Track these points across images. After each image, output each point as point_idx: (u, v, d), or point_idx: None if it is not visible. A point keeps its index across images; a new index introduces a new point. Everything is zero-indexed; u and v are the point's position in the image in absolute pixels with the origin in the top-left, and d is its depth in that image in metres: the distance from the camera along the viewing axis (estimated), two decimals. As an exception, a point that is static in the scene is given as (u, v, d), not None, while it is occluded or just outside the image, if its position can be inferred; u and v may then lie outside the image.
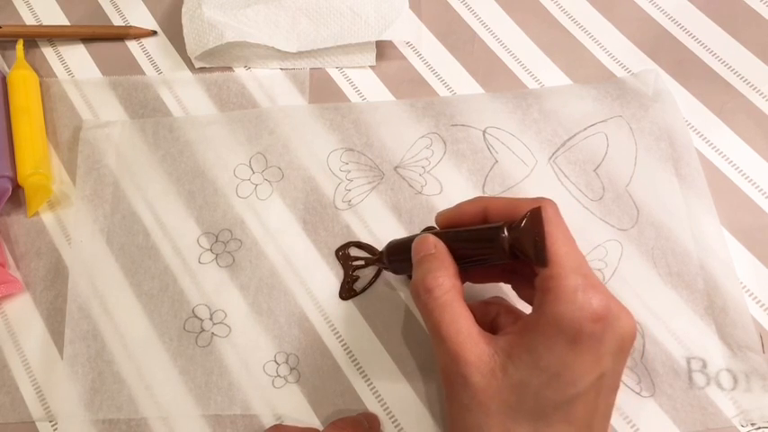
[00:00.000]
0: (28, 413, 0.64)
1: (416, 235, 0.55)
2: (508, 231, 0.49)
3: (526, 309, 0.56)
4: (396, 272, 0.62)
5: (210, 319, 0.66)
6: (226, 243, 0.69)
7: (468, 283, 0.56)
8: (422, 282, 0.50)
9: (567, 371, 0.45)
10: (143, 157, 0.73)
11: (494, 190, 0.69)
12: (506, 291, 0.62)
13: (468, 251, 0.52)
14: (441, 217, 0.57)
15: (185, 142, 0.74)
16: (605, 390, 0.48)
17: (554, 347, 0.45)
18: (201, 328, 0.66)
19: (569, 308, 0.45)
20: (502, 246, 0.49)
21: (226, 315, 0.66)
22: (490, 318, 0.57)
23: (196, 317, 0.66)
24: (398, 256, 0.59)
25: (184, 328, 0.66)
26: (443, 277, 0.50)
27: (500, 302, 0.58)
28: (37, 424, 0.63)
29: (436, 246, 0.52)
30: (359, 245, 0.68)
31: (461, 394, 0.48)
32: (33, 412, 0.64)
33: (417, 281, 0.51)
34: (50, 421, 0.63)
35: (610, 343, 0.46)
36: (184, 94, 0.77)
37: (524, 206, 0.49)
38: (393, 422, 0.61)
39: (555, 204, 0.50)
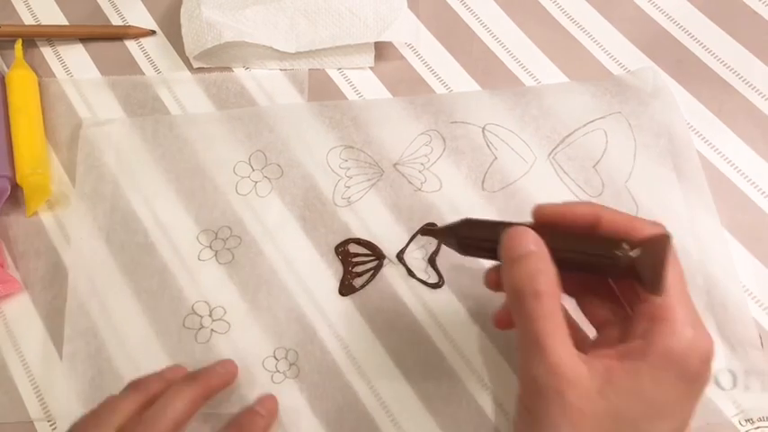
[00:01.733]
0: (26, 413, 0.64)
1: (504, 222, 0.50)
2: (629, 249, 0.46)
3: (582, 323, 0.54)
4: (464, 251, 0.55)
5: (210, 315, 0.66)
6: (225, 240, 0.69)
7: None
8: (530, 283, 0.46)
9: (668, 405, 0.45)
10: (143, 155, 0.73)
11: (493, 186, 0.69)
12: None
13: (574, 258, 0.48)
14: (541, 210, 0.52)
15: (185, 140, 0.74)
16: (689, 429, 0.47)
17: (662, 380, 0.44)
18: (201, 324, 0.66)
19: (683, 342, 0.44)
20: (618, 262, 0.46)
21: (225, 312, 0.66)
22: None
23: (195, 313, 0.66)
24: (479, 238, 0.52)
25: (184, 325, 0.66)
26: (552, 284, 0.46)
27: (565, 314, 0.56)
28: (35, 424, 0.63)
29: (537, 243, 0.48)
30: (358, 241, 0.68)
31: (552, 411, 0.45)
32: (32, 412, 0.64)
33: (524, 281, 0.47)
34: (49, 421, 0.63)
35: (704, 385, 0.45)
36: (183, 94, 0.77)
37: (642, 227, 0.48)
38: (390, 420, 0.62)
39: (672, 237, 0.48)
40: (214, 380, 0.60)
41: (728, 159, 0.70)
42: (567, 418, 0.44)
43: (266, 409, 0.61)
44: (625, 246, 0.46)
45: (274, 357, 0.64)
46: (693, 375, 0.44)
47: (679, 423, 0.45)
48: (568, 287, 0.53)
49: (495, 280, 0.54)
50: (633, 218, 0.49)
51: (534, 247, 0.47)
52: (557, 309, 0.46)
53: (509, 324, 0.54)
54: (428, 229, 0.58)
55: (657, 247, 0.46)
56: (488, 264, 0.54)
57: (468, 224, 0.54)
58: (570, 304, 0.54)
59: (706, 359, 0.44)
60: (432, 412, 0.61)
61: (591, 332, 0.53)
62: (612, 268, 0.47)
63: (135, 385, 0.59)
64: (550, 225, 0.51)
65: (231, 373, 0.62)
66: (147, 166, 0.73)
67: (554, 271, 0.47)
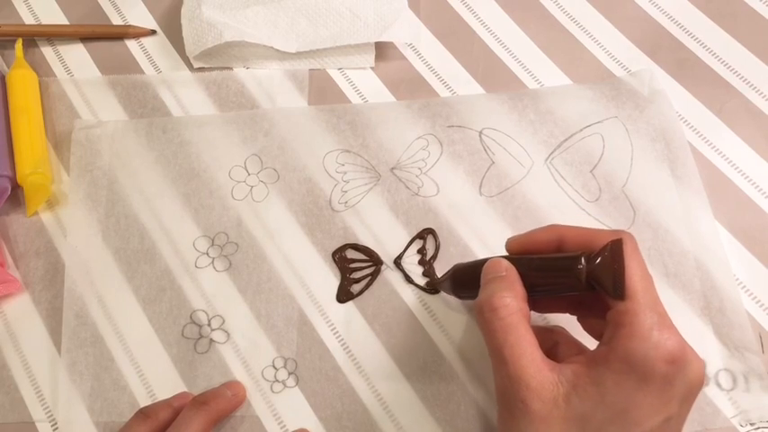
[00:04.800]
0: (27, 413, 0.64)
1: (485, 259, 0.54)
2: (586, 262, 0.48)
3: (587, 342, 0.55)
4: (459, 296, 0.61)
5: (209, 324, 0.66)
6: (222, 246, 0.69)
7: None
8: (488, 301, 0.49)
9: (634, 409, 0.45)
10: (137, 158, 0.73)
11: (491, 191, 0.69)
12: (566, 323, 0.60)
13: (541, 279, 0.51)
14: (511, 243, 0.56)
15: (179, 143, 0.73)
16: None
17: (623, 384, 0.45)
18: (200, 334, 0.66)
19: (643, 345, 0.45)
20: (578, 276, 0.48)
21: (224, 321, 0.66)
22: (549, 345, 0.55)
23: (194, 323, 0.66)
24: (465, 280, 0.57)
25: (183, 335, 0.66)
26: (510, 298, 0.49)
27: (561, 332, 0.58)
28: (37, 425, 0.64)
29: (507, 269, 0.51)
30: (356, 247, 0.68)
31: (519, 420, 0.47)
32: (33, 412, 0.64)
33: (483, 300, 0.50)
34: (50, 422, 0.63)
35: (680, 387, 0.45)
36: (183, 94, 0.77)
37: (602, 238, 0.49)
38: (393, 423, 0.62)
39: (634, 239, 0.49)
40: (222, 404, 0.61)
41: (729, 159, 0.70)
42: (533, 426, 0.46)
43: (233, 391, 0.62)
44: (582, 259, 0.48)
45: (273, 367, 0.64)
46: (659, 378, 0.45)
47: (651, 427, 0.45)
48: (567, 307, 0.57)
49: None
50: (595, 231, 0.51)
51: (504, 272, 0.51)
52: (518, 322, 0.48)
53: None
54: (435, 282, 0.65)
55: (613, 254, 0.47)
56: None
57: (457, 270, 0.59)
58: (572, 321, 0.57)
59: (671, 360, 0.44)
60: (433, 414, 0.62)
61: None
62: (575, 282, 0.48)
63: (144, 414, 0.59)
64: (523, 253, 0.54)
65: (240, 396, 0.63)
66: (141, 170, 0.73)
67: (519, 290, 0.50)
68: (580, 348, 0.56)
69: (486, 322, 0.49)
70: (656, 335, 0.45)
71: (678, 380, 0.45)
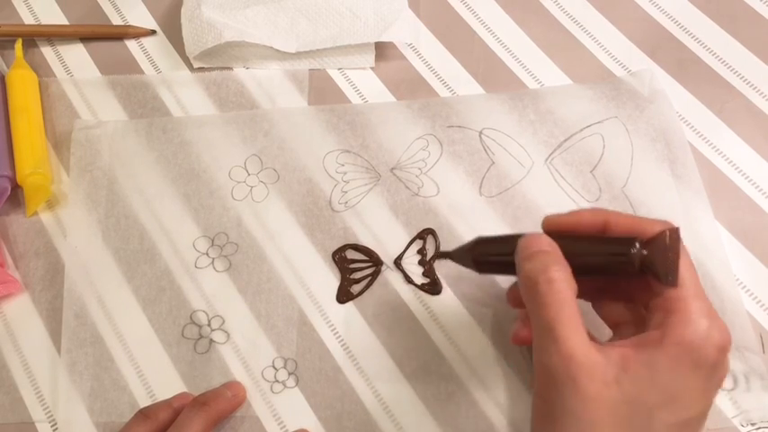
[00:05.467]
0: (27, 413, 0.64)
1: (517, 235, 0.52)
2: (642, 246, 0.48)
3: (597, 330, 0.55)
4: (480, 270, 0.57)
5: (209, 325, 0.66)
6: (222, 247, 0.69)
7: None
8: (543, 272, 0.48)
9: (685, 395, 0.45)
10: (136, 158, 0.73)
11: (491, 191, 0.69)
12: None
13: (588, 261, 0.51)
14: (551, 221, 0.54)
15: (179, 144, 0.73)
16: (705, 420, 0.48)
17: (677, 368, 0.45)
18: (200, 334, 0.66)
19: (698, 332, 0.45)
20: (632, 260, 0.48)
21: (224, 321, 0.66)
22: None
23: (194, 323, 0.66)
24: (494, 253, 0.55)
25: (183, 335, 0.66)
26: (566, 274, 0.48)
27: None
28: (37, 425, 0.64)
29: (551, 245, 0.50)
30: (356, 247, 0.68)
31: (568, 399, 0.46)
32: (33, 413, 0.64)
33: (537, 270, 0.48)
34: (50, 422, 0.63)
35: (721, 374, 0.47)
36: (183, 94, 0.77)
37: (650, 226, 0.49)
38: (393, 423, 0.62)
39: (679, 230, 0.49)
40: (223, 405, 0.61)
41: (729, 159, 0.70)
42: (583, 405, 0.45)
43: (233, 392, 0.62)
44: (637, 244, 0.48)
45: (273, 367, 0.64)
46: (709, 364, 0.45)
47: (696, 413, 0.46)
48: (582, 291, 0.52)
49: (516, 296, 0.56)
50: (640, 218, 0.51)
51: (548, 248, 0.50)
52: (570, 299, 0.47)
53: (525, 339, 0.55)
54: (443, 253, 0.60)
55: (668, 241, 0.48)
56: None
57: (482, 242, 0.56)
58: (585, 307, 0.55)
59: (722, 348, 0.45)
60: (433, 414, 0.62)
61: (604, 334, 0.55)
62: (627, 267, 0.48)
63: (144, 414, 0.60)
64: (561, 234, 0.52)
65: (240, 396, 0.63)
66: (141, 170, 0.73)
67: (568, 267, 0.49)
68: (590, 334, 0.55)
69: (539, 295, 0.48)
70: (708, 322, 0.45)
71: (721, 368, 0.46)
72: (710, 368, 0.45)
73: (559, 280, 0.47)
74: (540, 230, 0.53)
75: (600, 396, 0.45)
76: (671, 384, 0.45)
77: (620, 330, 0.54)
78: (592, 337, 0.48)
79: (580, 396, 0.45)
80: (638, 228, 0.50)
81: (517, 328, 0.57)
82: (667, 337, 0.46)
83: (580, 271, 0.49)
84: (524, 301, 0.50)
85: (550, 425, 0.48)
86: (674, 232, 0.48)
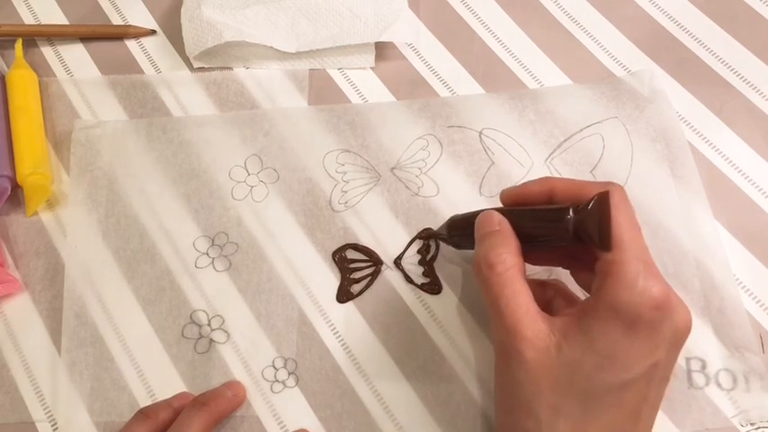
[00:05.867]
0: (27, 413, 0.64)
1: (480, 210, 0.55)
2: (574, 213, 0.49)
3: (583, 295, 0.58)
4: (457, 246, 0.62)
5: (209, 324, 0.66)
6: (222, 246, 0.69)
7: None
8: (484, 257, 0.51)
9: (621, 356, 0.46)
10: (137, 158, 0.73)
11: (491, 191, 0.69)
12: (565, 277, 0.61)
13: (532, 230, 0.53)
14: (505, 194, 0.57)
15: (179, 144, 0.73)
16: (657, 380, 0.49)
17: (610, 331, 0.46)
18: (200, 334, 0.66)
19: (629, 293, 0.46)
20: (566, 227, 0.49)
21: (224, 321, 0.66)
22: (546, 299, 0.58)
23: (194, 323, 0.66)
24: (461, 231, 0.59)
25: (183, 335, 0.66)
26: (506, 254, 0.51)
27: (557, 285, 0.59)
28: (37, 425, 0.64)
29: (500, 223, 0.53)
30: (356, 247, 0.68)
31: (514, 368, 0.49)
32: (33, 413, 0.64)
33: (480, 256, 0.52)
34: (50, 422, 0.63)
35: (666, 333, 0.47)
36: (183, 94, 0.77)
37: (592, 189, 0.50)
38: (393, 423, 0.62)
39: (623, 190, 0.50)
40: (223, 404, 0.61)
41: (729, 159, 0.70)
42: (528, 375, 0.48)
43: (233, 391, 0.62)
44: (570, 210, 0.49)
45: (273, 367, 0.64)
46: (645, 323, 0.46)
47: (638, 373, 0.47)
48: (560, 261, 0.59)
49: None
50: (585, 182, 0.53)
51: (497, 226, 0.52)
52: (513, 276, 0.50)
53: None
54: (426, 232, 0.65)
55: (601, 205, 0.48)
56: None
57: (453, 221, 0.60)
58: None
59: (657, 306, 0.46)
60: (433, 414, 0.62)
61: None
62: (565, 234, 0.50)
63: (144, 414, 0.60)
64: (516, 204, 0.55)
65: (240, 396, 0.63)
66: (141, 170, 0.72)
67: (513, 244, 0.52)
68: (575, 301, 0.58)
69: (483, 278, 0.51)
70: (641, 282, 0.46)
71: (664, 326, 0.47)
72: (648, 327, 0.46)
73: (500, 262, 0.50)
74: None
75: (542, 363, 0.48)
76: (606, 347, 0.46)
77: None
78: (549, 309, 0.52)
79: (524, 365, 0.48)
80: (579, 192, 0.51)
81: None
82: (601, 300, 0.47)
83: (529, 241, 0.53)
84: (476, 283, 0.53)
85: (506, 397, 0.51)
86: (603, 195, 0.49)
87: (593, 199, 0.49)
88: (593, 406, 0.47)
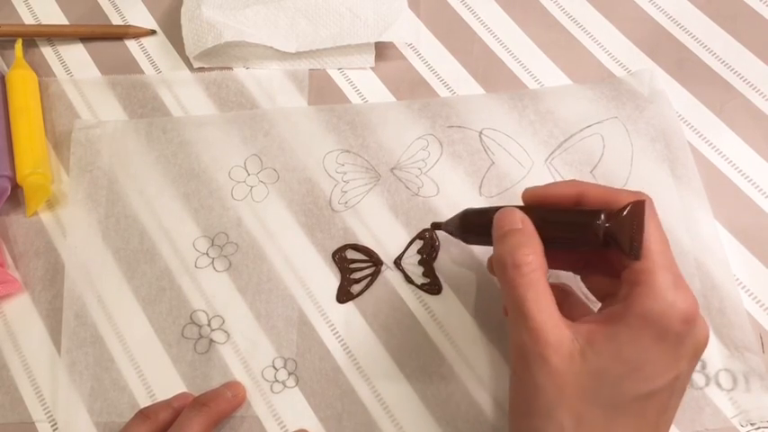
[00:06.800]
0: (27, 413, 0.64)
1: (497, 207, 0.54)
2: (606, 219, 0.49)
3: (587, 301, 0.57)
4: (466, 241, 0.60)
5: (209, 325, 0.66)
6: (222, 247, 0.69)
7: None
8: (510, 255, 0.49)
9: (648, 366, 0.46)
10: (137, 158, 0.73)
11: (491, 191, 0.69)
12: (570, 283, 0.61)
13: (558, 232, 0.52)
14: (529, 192, 0.56)
15: (179, 143, 0.73)
16: (678, 391, 0.49)
17: (639, 341, 0.46)
18: (200, 334, 0.66)
19: (660, 304, 0.46)
20: (596, 232, 0.49)
21: (224, 321, 0.66)
22: (557, 302, 0.56)
23: (194, 323, 0.66)
24: (476, 226, 0.57)
25: (183, 335, 0.66)
26: (532, 254, 0.49)
27: (567, 290, 0.59)
28: (37, 425, 0.64)
29: (523, 221, 0.51)
30: (356, 247, 0.68)
31: (536, 373, 0.48)
32: (33, 413, 0.64)
33: (505, 254, 0.50)
34: (50, 422, 0.63)
35: (689, 346, 0.47)
36: (183, 94, 0.77)
37: (623, 197, 0.50)
38: (393, 423, 0.62)
39: (653, 203, 0.50)
40: (223, 405, 0.61)
41: (729, 159, 0.70)
42: (551, 379, 0.47)
43: (233, 392, 0.62)
44: (602, 216, 0.49)
45: (273, 367, 0.64)
46: (673, 335, 0.46)
47: (662, 384, 0.47)
48: (573, 265, 0.58)
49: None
50: (616, 190, 0.52)
51: (520, 225, 0.51)
52: (539, 279, 0.49)
53: None
54: (436, 224, 0.62)
55: (634, 213, 0.48)
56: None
57: (469, 213, 0.58)
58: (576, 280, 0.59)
59: (686, 319, 0.46)
60: (433, 414, 0.62)
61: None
62: (591, 238, 0.49)
63: (144, 414, 0.60)
64: (538, 205, 0.54)
65: (240, 396, 0.63)
66: (141, 169, 0.72)
67: (538, 245, 0.50)
68: (585, 307, 0.57)
69: (508, 278, 0.50)
70: (672, 294, 0.46)
71: (689, 339, 0.47)
72: (675, 339, 0.46)
73: (526, 263, 0.49)
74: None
75: (565, 369, 0.47)
76: (633, 356, 0.46)
77: (605, 303, 0.54)
78: (572, 315, 0.50)
79: (547, 370, 0.47)
80: (611, 199, 0.51)
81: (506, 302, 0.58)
82: (630, 309, 0.47)
83: (551, 242, 0.51)
84: (499, 282, 0.52)
85: (523, 401, 0.50)
86: (638, 204, 0.48)
87: (627, 206, 0.48)
88: (616, 415, 0.47)
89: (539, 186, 0.56)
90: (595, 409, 0.47)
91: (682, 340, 0.46)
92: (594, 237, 0.49)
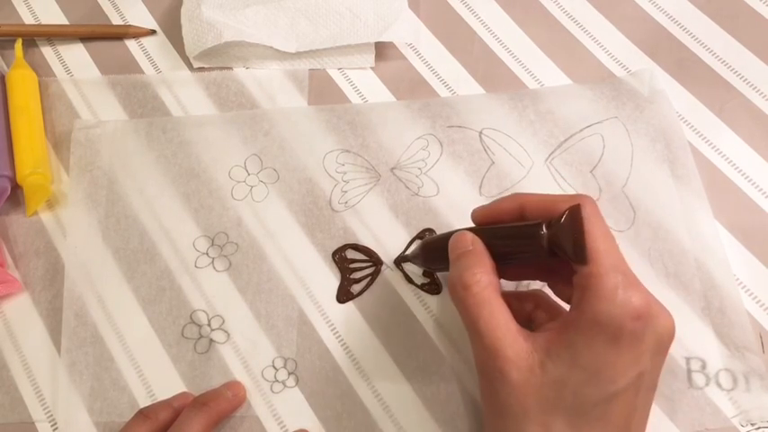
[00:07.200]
0: (27, 413, 0.64)
1: (452, 232, 0.55)
2: (547, 229, 0.49)
3: (564, 306, 0.57)
4: (430, 269, 0.63)
5: (209, 324, 0.66)
6: (222, 246, 0.69)
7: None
8: (459, 278, 0.50)
9: (606, 369, 0.46)
10: (137, 158, 0.73)
11: (491, 191, 0.69)
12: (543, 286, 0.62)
13: (506, 248, 0.52)
14: (476, 214, 0.57)
15: (179, 143, 0.73)
16: (644, 389, 0.48)
17: (594, 345, 0.46)
18: (200, 334, 0.66)
19: (609, 306, 0.45)
20: (540, 243, 0.49)
21: (224, 321, 0.66)
22: (526, 312, 0.57)
23: (194, 323, 0.66)
24: (435, 254, 0.59)
25: (183, 335, 0.66)
26: (481, 274, 0.50)
27: (538, 296, 0.58)
28: (37, 425, 0.63)
29: (473, 242, 0.52)
30: (356, 247, 0.68)
31: (499, 390, 0.48)
32: (33, 413, 0.64)
33: (455, 277, 0.51)
34: (50, 422, 0.63)
35: (649, 342, 0.46)
36: (183, 94, 0.77)
37: (562, 203, 0.50)
38: (393, 423, 0.62)
39: (593, 202, 0.50)
40: (223, 405, 0.61)
41: (729, 159, 0.70)
42: (513, 395, 0.48)
43: (233, 392, 0.62)
44: (544, 226, 0.49)
45: (273, 367, 0.64)
46: (628, 334, 0.46)
47: (624, 385, 0.46)
48: (537, 275, 0.59)
49: None
50: (554, 197, 0.52)
51: (471, 246, 0.52)
52: (489, 296, 0.50)
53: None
54: (402, 257, 0.66)
55: (572, 218, 0.48)
56: None
57: (426, 244, 0.61)
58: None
59: (638, 316, 0.45)
60: (433, 414, 0.62)
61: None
62: (538, 250, 0.49)
63: (144, 414, 0.60)
64: (488, 223, 0.55)
65: (240, 396, 0.63)
66: (141, 169, 0.72)
67: (488, 264, 0.51)
68: (559, 312, 0.57)
69: (459, 300, 0.51)
70: (620, 294, 0.46)
71: (647, 335, 0.46)
72: (631, 338, 0.46)
73: (475, 282, 0.50)
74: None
75: (527, 383, 0.47)
76: (591, 361, 0.46)
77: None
78: (532, 321, 0.53)
79: (508, 385, 0.48)
80: (550, 207, 0.51)
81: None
82: (583, 314, 0.47)
83: (505, 259, 0.53)
84: (454, 304, 0.52)
85: (493, 417, 0.51)
86: (574, 209, 0.48)
87: (564, 213, 0.48)
88: (581, 421, 0.47)
89: (485, 206, 0.56)
90: (560, 419, 0.47)
91: (639, 337, 0.46)
92: (540, 248, 0.49)
